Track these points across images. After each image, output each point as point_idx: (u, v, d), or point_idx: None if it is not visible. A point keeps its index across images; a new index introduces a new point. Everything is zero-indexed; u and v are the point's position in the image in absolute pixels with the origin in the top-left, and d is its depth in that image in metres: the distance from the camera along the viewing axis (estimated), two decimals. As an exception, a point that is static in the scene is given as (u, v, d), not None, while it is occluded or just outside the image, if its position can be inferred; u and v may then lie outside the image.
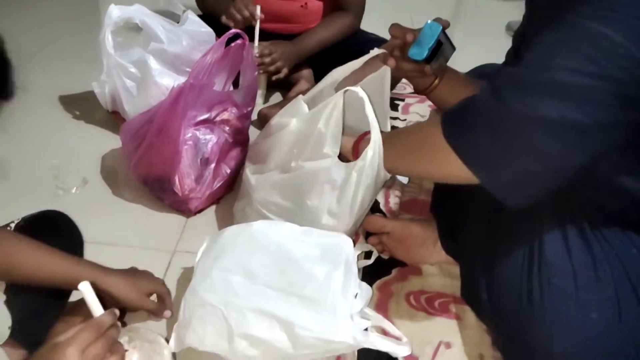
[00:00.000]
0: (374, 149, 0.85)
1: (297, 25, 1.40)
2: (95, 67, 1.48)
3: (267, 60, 1.25)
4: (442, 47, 0.83)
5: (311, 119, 0.89)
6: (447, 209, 0.93)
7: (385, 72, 0.92)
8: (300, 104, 0.91)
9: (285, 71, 1.30)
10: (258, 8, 1.20)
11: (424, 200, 1.11)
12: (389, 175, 0.89)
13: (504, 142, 0.58)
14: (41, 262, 0.62)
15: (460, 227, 0.87)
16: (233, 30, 0.92)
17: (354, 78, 0.99)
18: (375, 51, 0.91)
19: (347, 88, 0.88)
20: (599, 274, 0.66)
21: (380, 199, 1.04)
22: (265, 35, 1.27)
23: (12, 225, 0.79)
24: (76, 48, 1.59)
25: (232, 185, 1.06)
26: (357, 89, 0.87)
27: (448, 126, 0.63)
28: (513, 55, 0.81)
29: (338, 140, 0.86)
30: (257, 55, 1.21)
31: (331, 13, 1.41)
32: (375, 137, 0.85)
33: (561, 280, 0.67)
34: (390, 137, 0.81)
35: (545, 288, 0.67)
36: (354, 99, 0.88)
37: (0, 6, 1.86)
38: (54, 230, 0.74)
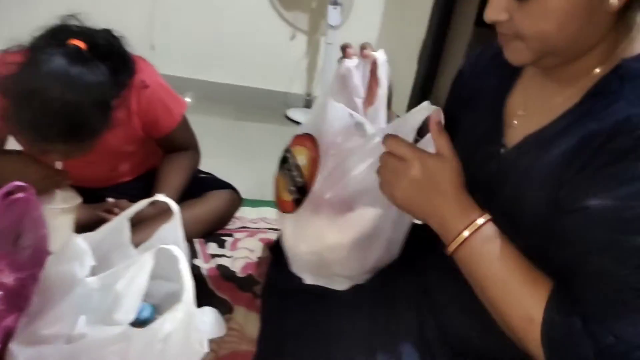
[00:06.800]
0: (184, 311, 0.77)
1: (108, 182, 1.38)
2: None
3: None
4: None
5: (111, 277, 0.80)
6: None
7: None
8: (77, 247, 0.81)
9: None
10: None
11: (245, 352, 1.03)
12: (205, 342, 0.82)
13: None
14: None
15: None
16: (15, 183, 0.81)
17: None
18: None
19: (162, 246, 0.82)
20: None
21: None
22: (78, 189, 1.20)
23: None
24: None
25: None
26: (172, 248, 0.81)
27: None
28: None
29: (135, 308, 0.77)
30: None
31: (166, 156, 1.37)
32: (188, 299, 0.78)
33: None
34: (482, 269, 0.64)
35: None
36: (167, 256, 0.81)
37: None
38: None
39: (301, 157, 0.83)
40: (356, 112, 0.84)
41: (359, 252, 0.79)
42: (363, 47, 0.81)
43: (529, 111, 0.71)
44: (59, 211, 1.09)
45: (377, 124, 0.82)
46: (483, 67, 0.83)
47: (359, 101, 0.85)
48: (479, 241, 0.64)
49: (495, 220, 0.65)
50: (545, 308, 0.59)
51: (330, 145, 0.80)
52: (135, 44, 1.19)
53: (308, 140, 0.82)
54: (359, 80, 0.83)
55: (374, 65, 0.81)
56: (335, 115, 0.81)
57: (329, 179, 0.78)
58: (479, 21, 1.98)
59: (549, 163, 0.64)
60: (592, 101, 0.62)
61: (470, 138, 0.78)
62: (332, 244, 0.78)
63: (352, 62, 0.81)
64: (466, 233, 0.64)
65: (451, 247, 0.65)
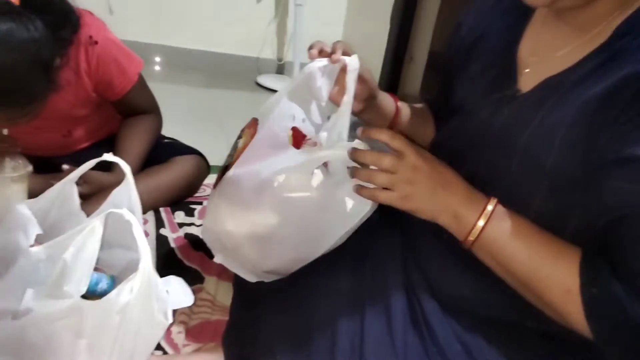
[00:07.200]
0: (142, 280, 0.71)
1: (64, 150, 1.28)
2: None
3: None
4: None
5: (57, 246, 0.73)
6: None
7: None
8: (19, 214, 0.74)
9: None
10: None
11: (217, 321, 0.98)
12: (169, 313, 0.77)
13: None
14: None
15: None
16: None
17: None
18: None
19: (111, 210, 0.75)
20: None
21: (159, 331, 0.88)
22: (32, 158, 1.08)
23: None
24: None
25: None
26: (123, 211, 0.75)
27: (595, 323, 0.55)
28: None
29: (86, 278, 0.70)
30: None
31: (125, 120, 1.29)
32: (145, 267, 0.71)
33: None
34: (512, 242, 0.61)
35: None
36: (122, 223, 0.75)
37: None
38: None
39: (242, 140, 0.80)
40: (313, 116, 0.81)
41: (254, 250, 0.77)
42: (334, 50, 0.75)
43: (541, 57, 0.68)
44: (9, 180, 1.01)
45: (335, 132, 0.76)
46: (485, 15, 0.80)
47: (319, 105, 0.82)
48: (495, 226, 0.61)
49: (513, 171, 0.62)
50: (580, 282, 0.55)
51: (262, 141, 0.77)
52: (91, 8, 1.09)
53: (253, 126, 0.80)
54: (323, 83, 0.77)
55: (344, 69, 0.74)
56: (281, 115, 0.78)
57: (242, 169, 0.76)
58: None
59: (577, 107, 0.59)
60: (622, 41, 0.59)
61: (478, 86, 0.74)
62: (229, 231, 0.77)
63: (318, 63, 0.75)
64: (481, 222, 0.61)
65: (469, 240, 0.62)
